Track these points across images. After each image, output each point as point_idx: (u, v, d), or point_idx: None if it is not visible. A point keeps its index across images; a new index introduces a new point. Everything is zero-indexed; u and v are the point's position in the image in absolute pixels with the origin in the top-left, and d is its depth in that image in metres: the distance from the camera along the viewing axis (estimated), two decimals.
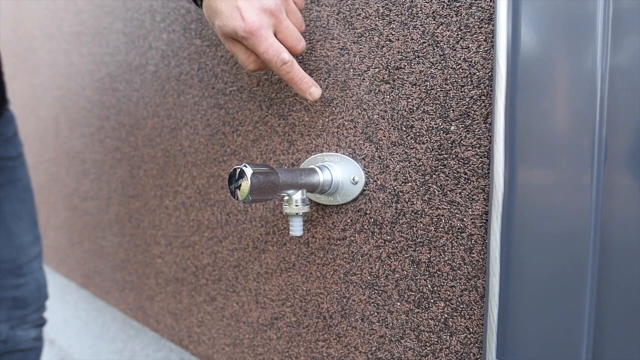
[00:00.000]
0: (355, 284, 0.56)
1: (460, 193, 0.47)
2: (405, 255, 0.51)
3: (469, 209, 0.46)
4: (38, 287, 0.83)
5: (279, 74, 0.52)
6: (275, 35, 0.51)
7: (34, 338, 0.83)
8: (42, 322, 0.86)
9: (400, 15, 0.50)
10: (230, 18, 0.49)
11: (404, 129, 0.50)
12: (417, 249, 0.50)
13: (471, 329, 0.46)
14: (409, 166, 0.50)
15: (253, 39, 0.49)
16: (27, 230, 0.81)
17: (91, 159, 1.10)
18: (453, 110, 0.47)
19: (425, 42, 0.48)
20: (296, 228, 0.53)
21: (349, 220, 0.56)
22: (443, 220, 0.48)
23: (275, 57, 0.50)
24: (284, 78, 0.52)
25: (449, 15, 0.46)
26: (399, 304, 0.52)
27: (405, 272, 0.51)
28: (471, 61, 0.45)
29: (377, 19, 0.52)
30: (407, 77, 0.50)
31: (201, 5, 0.54)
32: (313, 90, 0.52)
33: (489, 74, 0.44)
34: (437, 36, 0.47)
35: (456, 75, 0.46)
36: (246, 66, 0.54)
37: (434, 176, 0.48)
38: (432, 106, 0.48)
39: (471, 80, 0.45)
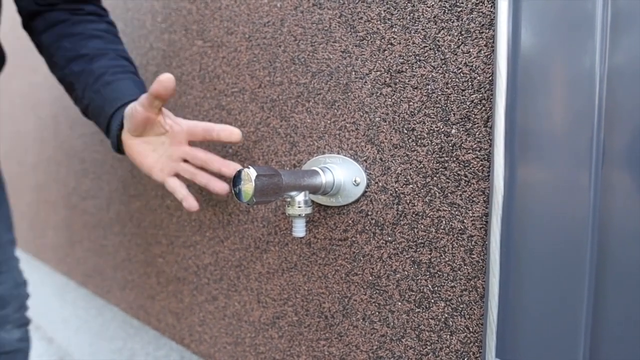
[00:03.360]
0: (356, 284, 0.57)
1: (460, 195, 0.47)
2: (406, 256, 0.52)
3: (469, 210, 0.47)
4: (16, 285, 0.80)
5: None
6: None
7: (18, 339, 0.80)
8: (26, 321, 0.83)
9: (402, 20, 0.51)
10: None
11: (406, 131, 0.51)
12: (418, 249, 0.51)
13: (471, 329, 0.47)
14: (410, 168, 0.51)
15: None
16: (4, 230, 0.80)
17: (91, 158, 1.10)
18: (454, 114, 0.47)
19: (426, 46, 0.49)
20: (299, 229, 0.54)
21: (350, 221, 0.57)
22: (444, 222, 0.49)
23: None
24: None
25: (450, 20, 0.47)
26: (400, 303, 0.53)
27: (406, 273, 0.52)
28: (472, 65, 0.46)
29: (379, 22, 0.53)
30: (408, 81, 0.51)
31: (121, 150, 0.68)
32: None
33: (490, 78, 0.45)
34: (438, 40, 0.48)
35: (457, 79, 0.47)
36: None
37: (434, 178, 0.49)
38: (433, 109, 0.49)
39: (472, 84, 0.46)
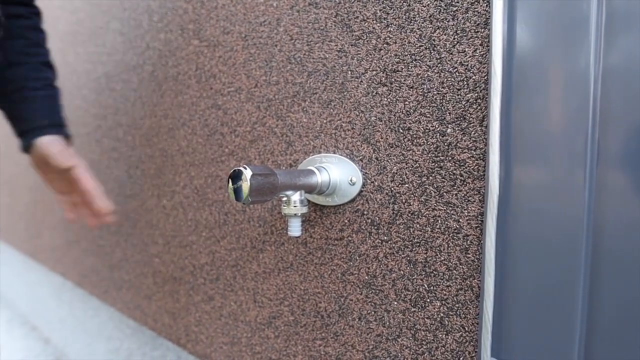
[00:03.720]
0: (352, 284, 0.57)
1: (456, 194, 0.47)
2: (402, 255, 0.52)
3: (464, 210, 0.47)
4: None
5: None
6: None
7: None
8: None
9: (397, 19, 0.51)
10: None
11: (401, 131, 0.51)
12: (414, 249, 0.51)
13: (466, 328, 0.47)
14: (406, 168, 0.51)
15: None
16: None
17: (88, 158, 1.10)
18: (449, 113, 0.47)
19: (422, 46, 0.49)
20: (294, 228, 0.54)
21: (346, 221, 0.57)
22: (439, 221, 0.49)
23: None
24: None
25: (446, 19, 0.47)
26: (395, 303, 0.53)
27: (402, 272, 0.52)
28: (467, 65, 0.46)
29: (374, 22, 0.53)
30: (404, 80, 0.51)
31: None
32: None
33: (485, 77, 0.45)
34: (434, 40, 0.48)
35: (453, 79, 0.47)
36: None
37: (430, 178, 0.49)
38: (429, 109, 0.49)
39: (467, 84, 0.46)
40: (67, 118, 0.76)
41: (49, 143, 0.69)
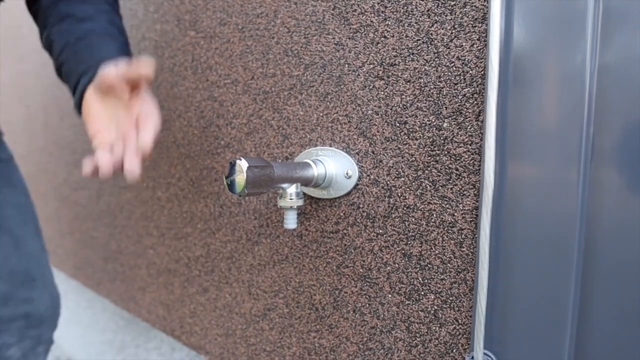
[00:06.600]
0: (347, 276, 0.57)
1: (451, 188, 0.48)
2: (397, 249, 0.52)
3: (459, 204, 0.47)
4: (52, 300, 0.71)
5: None
6: None
7: None
8: (52, 343, 0.75)
9: (395, 13, 0.51)
10: None
11: (398, 124, 0.51)
12: (409, 242, 0.51)
13: (460, 321, 0.48)
14: (402, 161, 0.51)
15: None
16: (34, 236, 0.71)
17: (82, 149, 1.09)
18: (446, 108, 0.47)
19: (419, 40, 0.49)
20: (290, 221, 0.54)
21: (342, 214, 0.57)
22: (434, 215, 0.49)
23: None
24: None
25: (444, 13, 0.47)
26: (390, 296, 0.53)
27: (396, 265, 0.52)
28: (464, 59, 0.46)
29: (372, 15, 0.53)
30: (401, 74, 0.51)
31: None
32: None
33: (482, 72, 0.45)
34: (431, 34, 0.48)
35: (450, 73, 0.47)
36: None
37: (426, 172, 0.49)
38: (425, 103, 0.49)
39: (464, 78, 0.46)
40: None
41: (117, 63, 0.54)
